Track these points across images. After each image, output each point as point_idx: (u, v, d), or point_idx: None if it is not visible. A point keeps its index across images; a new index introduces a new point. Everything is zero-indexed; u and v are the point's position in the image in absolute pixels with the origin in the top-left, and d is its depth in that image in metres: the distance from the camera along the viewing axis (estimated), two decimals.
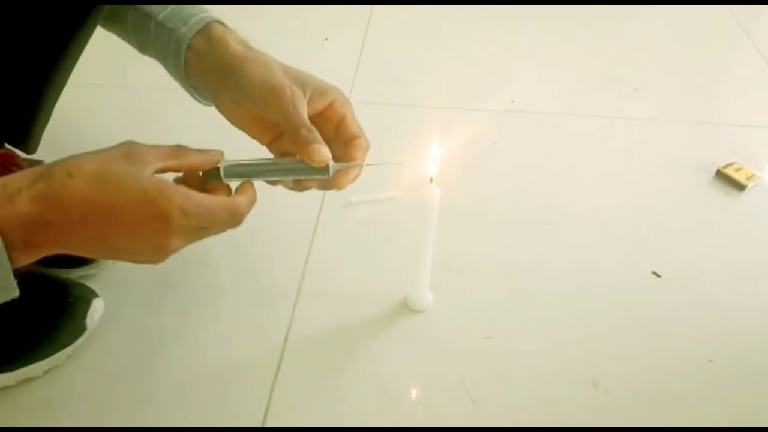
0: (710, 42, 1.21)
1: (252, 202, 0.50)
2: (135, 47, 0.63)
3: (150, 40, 0.60)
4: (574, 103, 1.03)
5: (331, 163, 0.51)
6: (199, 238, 0.48)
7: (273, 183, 0.55)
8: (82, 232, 0.43)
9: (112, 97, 0.99)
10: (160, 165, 0.46)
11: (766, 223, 0.83)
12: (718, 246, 0.79)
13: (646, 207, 0.84)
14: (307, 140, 0.50)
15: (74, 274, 0.68)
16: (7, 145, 0.62)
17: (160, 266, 0.49)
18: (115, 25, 0.62)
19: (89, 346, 0.64)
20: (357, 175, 0.55)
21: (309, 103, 0.53)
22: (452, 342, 0.67)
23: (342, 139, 0.54)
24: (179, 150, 0.48)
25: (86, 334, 0.63)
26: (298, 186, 0.54)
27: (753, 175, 0.87)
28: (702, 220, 0.83)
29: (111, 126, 0.92)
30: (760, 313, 0.72)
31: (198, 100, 0.62)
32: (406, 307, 0.70)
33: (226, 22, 0.59)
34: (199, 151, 0.50)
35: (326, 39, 1.13)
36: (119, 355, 0.65)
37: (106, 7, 0.60)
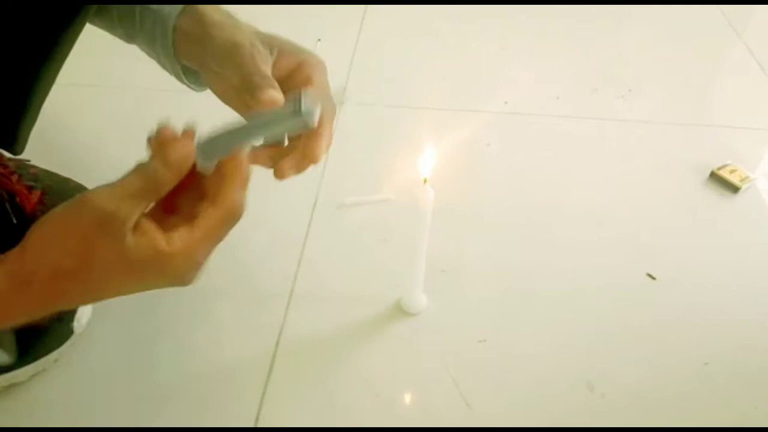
0: (703, 44, 1.21)
1: (244, 185, 0.43)
2: (122, 38, 0.62)
3: (136, 27, 0.59)
4: (568, 105, 1.02)
5: (304, 103, 0.42)
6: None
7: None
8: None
9: (101, 97, 0.97)
10: (137, 213, 0.39)
11: (760, 225, 0.83)
12: (713, 248, 0.79)
13: (641, 209, 0.84)
14: (259, 86, 0.47)
15: None
16: None
17: None
18: (101, 18, 0.62)
19: (77, 350, 0.63)
20: (329, 144, 0.50)
21: (276, 63, 0.51)
22: (446, 345, 0.66)
23: None
24: (146, 181, 0.40)
25: (73, 338, 0.62)
26: (276, 155, 0.49)
27: (747, 177, 0.87)
28: (696, 222, 0.83)
29: (100, 126, 0.91)
30: (755, 316, 0.71)
31: (189, 86, 0.61)
32: (400, 310, 0.69)
33: None
34: (165, 163, 0.40)
35: (319, 40, 1.12)
36: (107, 358, 0.64)
37: (95, 6, 0.59)
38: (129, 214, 0.38)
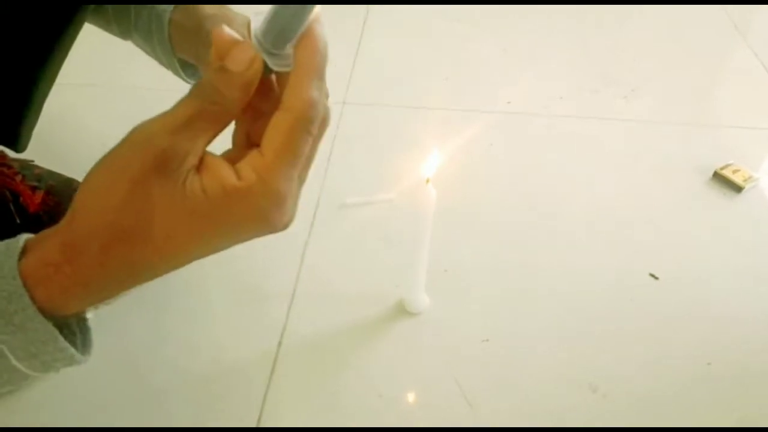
0: (706, 44, 1.20)
1: (315, 72, 0.31)
2: (117, 34, 0.63)
3: (132, 23, 0.60)
4: (570, 105, 1.02)
5: None
6: (306, 175, 0.34)
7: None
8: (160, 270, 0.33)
9: (104, 98, 0.98)
10: (200, 149, 0.31)
11: (763, 225, 0.83)
12: (716, 248, 0.79)
13: (644, 209, 0.84)
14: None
15: None
16: None
17: None
18: (96, 16, 0.62)
19: None
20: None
21: None
22: (449, 345, 0.66)
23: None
24: (205, 103, 0.30)
25: None
26: None
27: (750, 177, 0.87)
28: (699, 222, 0.82)
29: (103, 126, 0.91)
30: (758, 315, 0.71)
31: (185, 80, 0.61)
32: (403, 310, 0.69)
33: None
34: (224, 75, 0.30)
35: None
36: (109, 357, 0.64)
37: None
38: (189, 149, 0.30)
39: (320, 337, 0.66)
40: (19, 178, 0.64)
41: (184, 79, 0.62)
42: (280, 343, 0.65)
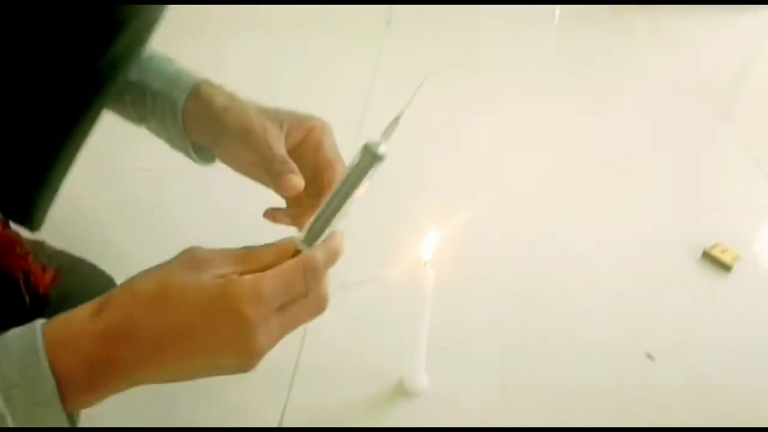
0: (692, 129, 1.25)
1: (330, 250, 0.43)
2: (134, 120, 0.66)
3: (148, 111, 0.63)
4: (563, 187, 1.05)
5: (379, 147, 0.46)
6: (288, 325, 0.42)
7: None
8: (154, 362, 0.39)
9: (111, 178, 1.00)
10: (227, 270, 0.39)
11: (754, 302, 0.84)
12: (709, 327, 0.80)
13: (637, 290, 0.85)
14: (279, 172, 0.51)
15: None
16: (12, 226, 0.63)
17: None
18: (115, 102, 0.65)
19: None
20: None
21: (287, 136, 0.55)
22: (449, 425, 0.66)
23: (318, 167, 0.54)
24: (248, 253, 0.41)
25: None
26: (296, 213, 0.54)
27: (738, 256, 0.89)
28: (691, 301, 0.84)
29: (111, 206, 0.93)
30: (754, 392, 0.72)
31: (196, 161, 0.64)
32: (403, 389, 0.69)
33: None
34: (270, 246, 0.42)
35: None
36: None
37: (113, 88, 0.63)
38: (217, 266, 0.39)
39: (321, 415, 0.66)
40: (30, 257, 0.66)
41: (194, 160, 0.64)
42: (281, 420, 0.65)
